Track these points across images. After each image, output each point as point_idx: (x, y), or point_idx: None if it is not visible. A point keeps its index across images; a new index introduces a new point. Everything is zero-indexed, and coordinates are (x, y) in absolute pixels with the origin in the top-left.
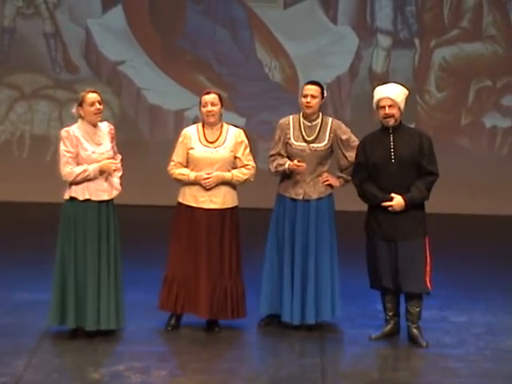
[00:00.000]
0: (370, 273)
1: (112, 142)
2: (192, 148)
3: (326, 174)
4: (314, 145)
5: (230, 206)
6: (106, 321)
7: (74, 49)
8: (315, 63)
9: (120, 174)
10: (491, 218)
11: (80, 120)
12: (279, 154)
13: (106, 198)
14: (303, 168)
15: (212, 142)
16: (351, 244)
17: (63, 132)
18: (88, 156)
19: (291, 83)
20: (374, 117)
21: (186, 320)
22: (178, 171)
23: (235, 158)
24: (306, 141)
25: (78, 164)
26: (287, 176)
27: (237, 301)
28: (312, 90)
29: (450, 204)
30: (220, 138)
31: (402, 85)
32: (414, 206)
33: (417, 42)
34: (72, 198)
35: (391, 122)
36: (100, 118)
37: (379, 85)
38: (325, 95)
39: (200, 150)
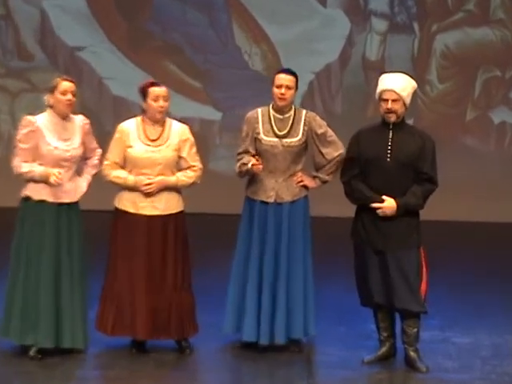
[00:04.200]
0: (360, 288)
1: (84, 137)
2: (130, 146)
3: (300, 174)
4: (287, 140)
5: (173, 211)
6: (69, 339)
7: (27, 33)
8: (301, 50)
9: (95, 171)
10: (499, 226)
11: (48, 109)
12: (246, 152)
13: (66, 200)
14: (258, 169)
15: (154, 140)
16: (341, 255)
17: (23, 120)
18: (49, 151)
19: (274, 72)
20: (368, 110)
21: (154, 341)
22: (113, 173)
23: (179, 157)
24: (277, 136)
25: (35, 158)
26: (256, 177)
27: (181, 318)
28: (287, 80)
29: (452, 210)
30: (163, 136)
31: (410, 76)
32: (406, 212)
33: (416, 26)
34: (27, 198)
35: (393, 118)
36: (70, 111)
37: (382, 73)
38: (298, 86)
39: (140, 149)
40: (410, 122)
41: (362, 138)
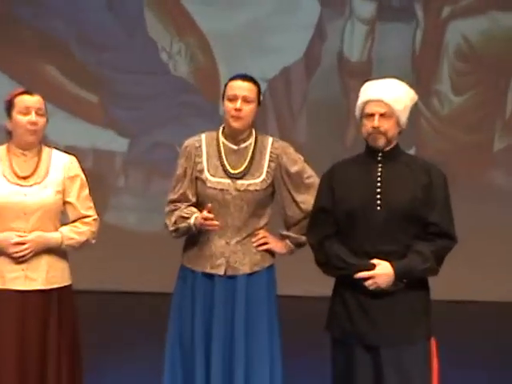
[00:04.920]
0: None
1: None
2: None
3: (263, 233)
4: (244, 182)
5: (58, 285)
6: None
7: None
8: (247, 46)
9: None
10: None
11: None
12: (185, 199)
13: None
14: (216, 226)
15: (25, 178)
16: (313, 349)
17: None
18: None
19: (207, 79)
20: (347, 137)
21: None
22: None
23: (65, 203)
24: (230, 175)
25: None
26: (197, 237)
27: None
28: (244, 88)
29: (473, 284)
30: (38, 171)
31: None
32: (410, 282)
33: (419, 10)
34: None
35: (381, 141)
36: None
37: (365, 81)
38: (261, 99)
39: (4, 191)
40: (409, 152)
41: (337, 178)
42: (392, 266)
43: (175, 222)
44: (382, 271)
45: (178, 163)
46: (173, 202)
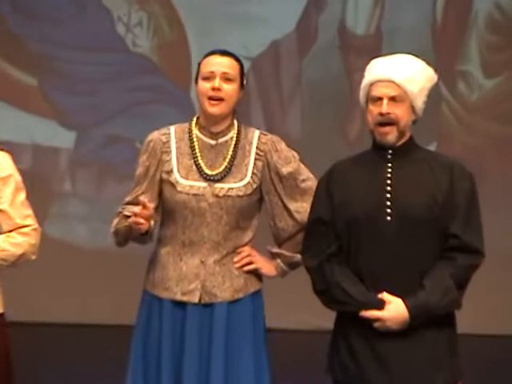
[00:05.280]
0: None
1: None
2: None
3: (247, 251)
4: (224, 185)
5: None
6: None
7: None
8: (225, 16)
9: None
10: None
11: None
12: (138, 203)
13: None
14: (137, 227)
15: None
16: None
17: None
18: None
19: (174, 57)
20: (351, 130)
21: None
22: None
23: None
24: (205, 177)
25: None
26: (164, 255)
27: None
28: (223, 64)
29: (503, 313)
30: None
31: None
32: (428, 320)
33: None
34: None
35: (391, 134)
36: None
37: (372, 58)
38: (245, 82)
39: None
40: (430, 148)
41: (336, 180)
42: (405, 304)
43: (117, 223)
44: (392, 314)
45: (139, 161)
46: (125, 204)
